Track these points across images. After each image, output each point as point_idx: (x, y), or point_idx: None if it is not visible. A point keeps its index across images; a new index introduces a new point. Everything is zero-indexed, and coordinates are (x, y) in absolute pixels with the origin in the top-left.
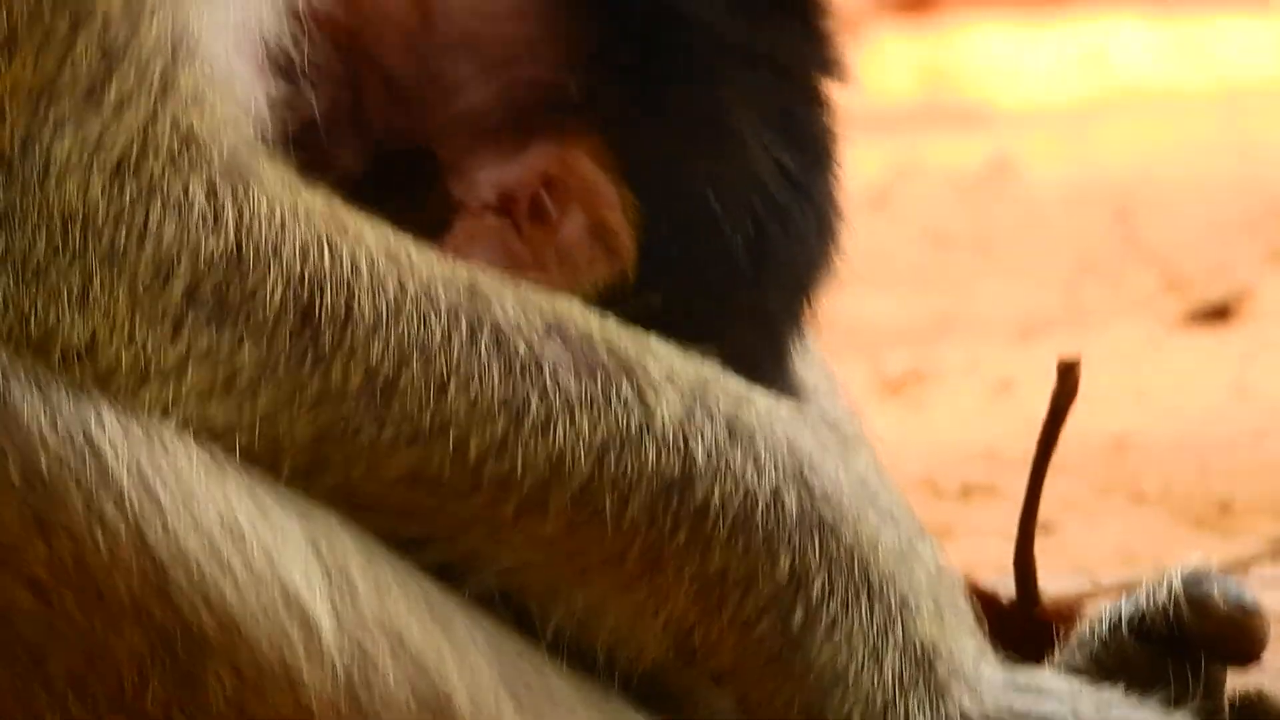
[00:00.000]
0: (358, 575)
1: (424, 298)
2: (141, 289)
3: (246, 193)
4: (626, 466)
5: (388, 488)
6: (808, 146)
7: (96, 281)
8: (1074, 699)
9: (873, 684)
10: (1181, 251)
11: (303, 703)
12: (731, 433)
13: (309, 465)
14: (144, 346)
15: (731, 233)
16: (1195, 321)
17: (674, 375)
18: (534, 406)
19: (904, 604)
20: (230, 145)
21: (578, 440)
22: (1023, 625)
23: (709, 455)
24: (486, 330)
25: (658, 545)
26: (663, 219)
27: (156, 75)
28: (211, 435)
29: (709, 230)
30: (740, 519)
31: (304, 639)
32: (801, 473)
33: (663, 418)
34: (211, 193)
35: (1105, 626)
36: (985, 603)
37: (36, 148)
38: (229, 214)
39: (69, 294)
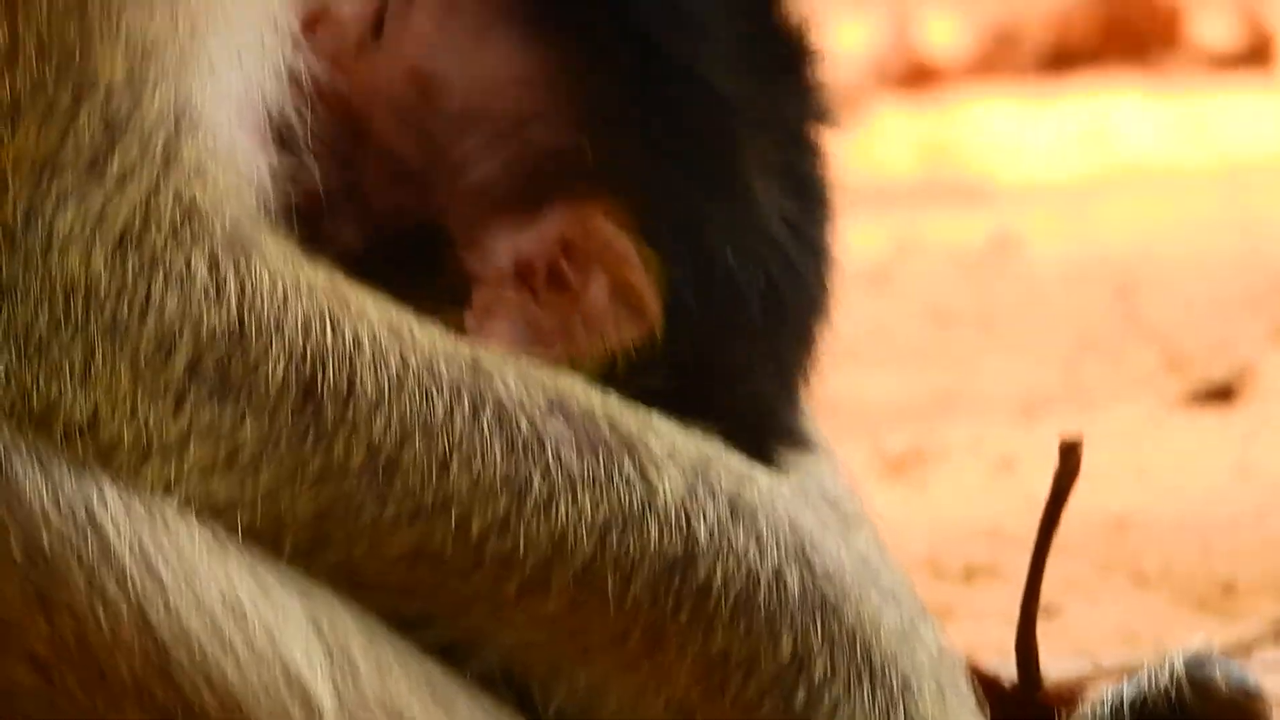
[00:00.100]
0: (359, 654)
1: (426, 373)
2: (144, 363)
3: (249, 266)
4: (629, 545)
5: (390, 565)
6: (808, 195)
7: (98, 356)
8: None
9: None
10: (1183, 329)
11: None
12: (734, 511)
13: (311, 542)
14: (146, 422)
15: (747, 287)
16: (1197, 400)
17: (676, 452)
18: (536, 484)
19: (906, 686)
20: (233, 218)
21: (580, 518)
22: (1025, 709)
23: (711, 534)
24: (489, 406)
25: (660, 624)
26: (681, 277)
27: (159, 147)
28: (213, 512)
29: (726, 286)
30: (743, 599)
31: (306, 719)
32: (804, 551)
33: (665, 496)
34: (214, 266)
35: (1107, 709)
36: (987, 686)
37: (39, 220)
38: (231, 288)
39: (71, 368)
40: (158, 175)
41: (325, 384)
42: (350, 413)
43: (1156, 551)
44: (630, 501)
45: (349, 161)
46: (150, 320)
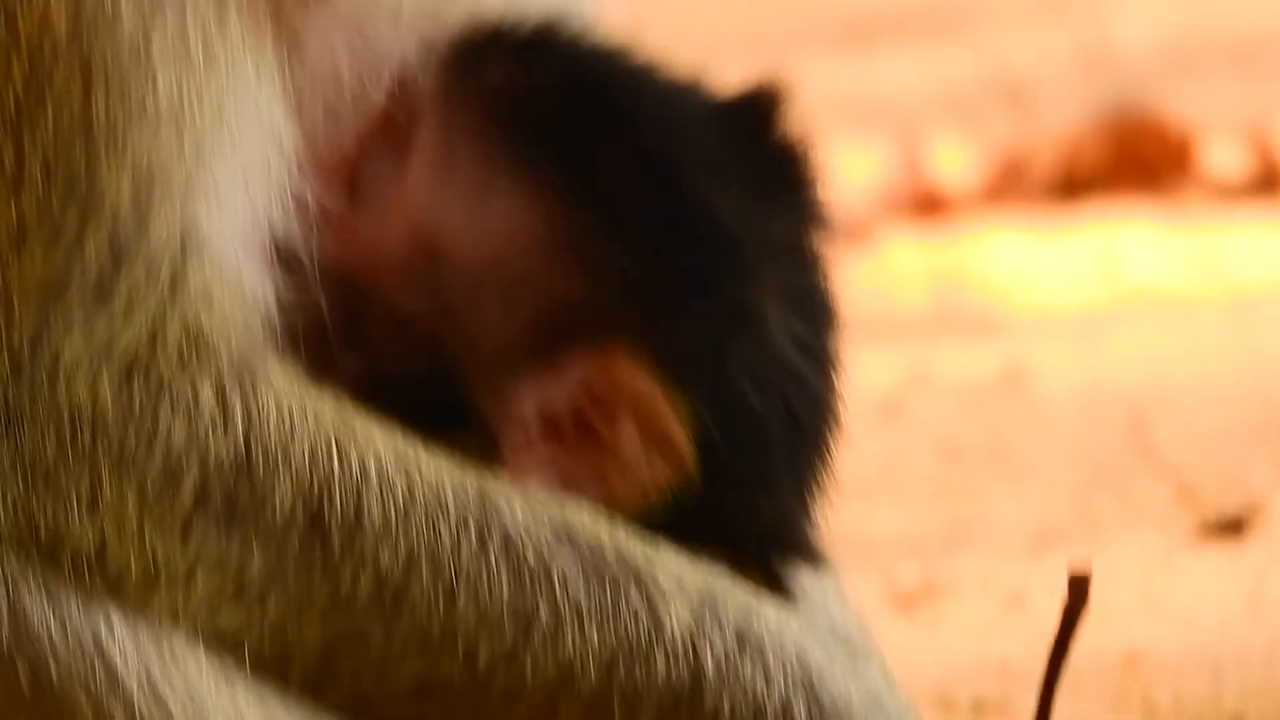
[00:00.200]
0: None
1: (433, 503)
2: (151, 493)
3: (255, 394)
4: (636, 676)
5: (397, 695)
6: (815, 311)
7: (106, 485)
8: None
9: None
10: (1195, 463)
11: None
12: (741, 643)
13: (319, 673)
14: (154, 552)
15: (767, 415)
16: (1208, 534)
17: (683, 583)
18: (543, 615)
19: None
20: (239, 346)
21: (587, 649)
22: None
23: (718, 666)
24: (496, 536)
25: None
26: (706, 414)
27: (166, 273)
28: (221, 642)
29: (747, 417)
30: None
31: None
32: (811, 684)
33: (672, 627)
34: (221, 394)
35: None
36: None
37: (45, 347)
38: (238, 416)
39: (78, 498)
40: (164, 302)
41: (333, 514)
42: (358, 542)
43: (1167, 686)
44: (637, 633)
45: (354, 315)
46: (157, 449)
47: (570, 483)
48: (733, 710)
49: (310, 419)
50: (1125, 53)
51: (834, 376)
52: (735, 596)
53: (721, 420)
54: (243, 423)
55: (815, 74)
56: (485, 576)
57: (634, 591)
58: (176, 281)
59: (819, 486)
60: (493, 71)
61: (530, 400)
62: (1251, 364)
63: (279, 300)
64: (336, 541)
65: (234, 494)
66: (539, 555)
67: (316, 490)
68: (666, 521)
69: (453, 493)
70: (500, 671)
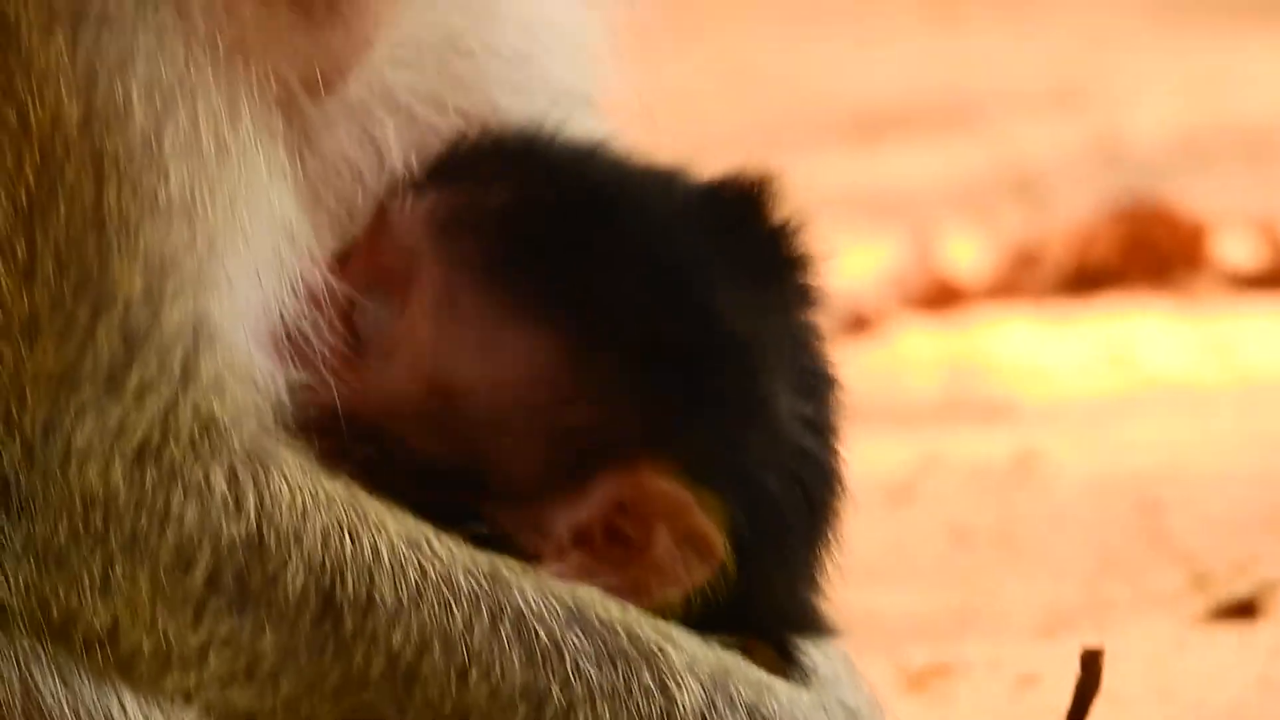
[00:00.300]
0: None
1: (445, 584)
2: (163, 575)
3: (268, 479)
4: None
5: None
6: (817, 388)
7: (118, 567)
8: None
9: None
10: (1206, 547)
11: None
12: None
13: None
14: (165, 633)
15: (785, 499)
16: (1220, 618)
17: (695, 664)
18: (555, 695)
19: None
20: (251, 432)
21: None
22: None
23: None
24: (508, 617)
25: None
26: (730, 506)
27: (178, 363)
28: None
29: (768, 503)
30: None
31: None
32: None
33: (685, 707)
34: (233, 479)
35: None
36: None
37: (58, 433)
38: (250, 500)
39: (90, 579)
40: (176, 390)
41: (345, 595)
42: (370, 623)
43: None
44: (650, 713)
45: (374, 455)
46: (169, 532)
47: (607, 590)
48: None
49: (323, 503)
50: (1136, 145)
51: (837, 447)
52: (747, 674)
53: (745, 510)
54: (255, 506)
55: (828, 167)
56: (498, 656)
57: (646, 671)
58: (188, 371)
59: (828, 558)
60: (477, 206)
61: (561, 522)
62: (1261, 450)
63: (291, 387)
64: (349, 621)
65: (246, 575)
66: (551, 635)
67: (329, 571)
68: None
69: (464, 574)
70: None
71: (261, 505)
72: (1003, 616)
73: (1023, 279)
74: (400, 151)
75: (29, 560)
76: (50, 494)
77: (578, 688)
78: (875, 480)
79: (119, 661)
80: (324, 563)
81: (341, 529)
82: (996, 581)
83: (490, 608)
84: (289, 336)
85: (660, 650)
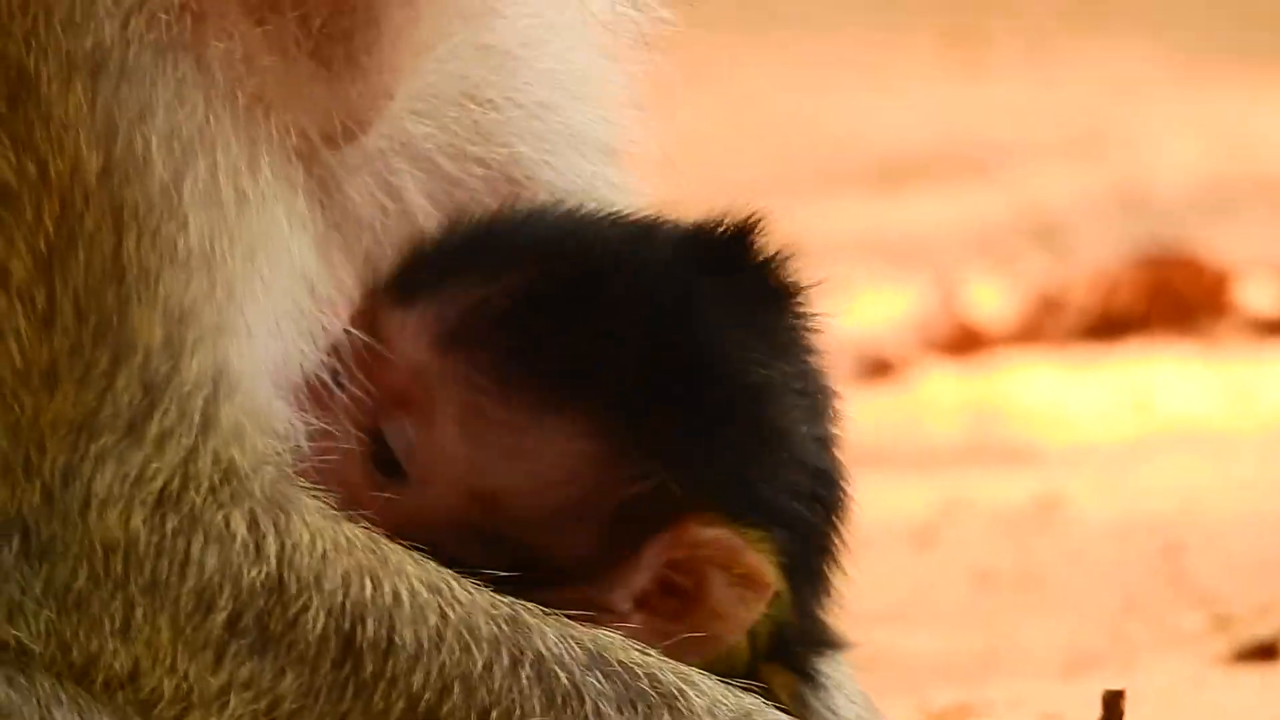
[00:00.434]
0: None
1: (465, 628)
2: (184, 619)
3: (288, 524)
4: None
5: None
6: (818, 404)
7: (138, 612)
8: None
9: None
10: (1227, 590)
11: None
12: None
13: None
14: (186, 676)
15: (812, 521)
16: (1241, 660)
17: (716, 707)
18: None
19: None
20: (271, 478)
21: None
22: None
23: None
24: (528, 661)
25: None
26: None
27: (198, 411)
28: None
29: (801, 530)
30: None
31: None
32: None
33: None
34: (253, 524)
35: None
36: None
37: (78, 480)
38: (271, 545)
39: (111, 624)
40: (196, 438)
41: (365, 638)
42: (390, 666)
43: None
44: None
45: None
46: (190, 577)
47: (675, 644)
48: None
49: (343, 547)
50: (1159, 192)
51: (840, 456)
52: (768, 716)
53: (783, 536)
54: (275, 550)
55: (852, 213)
56: (518, 699)
57: (667, 714)
58: (208, 419)
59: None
60: (474, 312)
61: (619, 594)
62: None
63: (312, 435)
64: (369, 664)
65: (266, 618)
66: (572, 678)
67: (349, 614)
68: None
69: (485, 618)
70: None
71: (282, 550)
72: (1025, 657)
73: (1046, 324)
74: (421, 202)
75: (50, 604)
76: (70, 539)
77: None
78: (899, 523)
79: (140, 704)
80: (345, 606)
81: (362, 573)
82: (1019, 623)
83: (511, 651)
84: (309, 383)
85: (680, 693)
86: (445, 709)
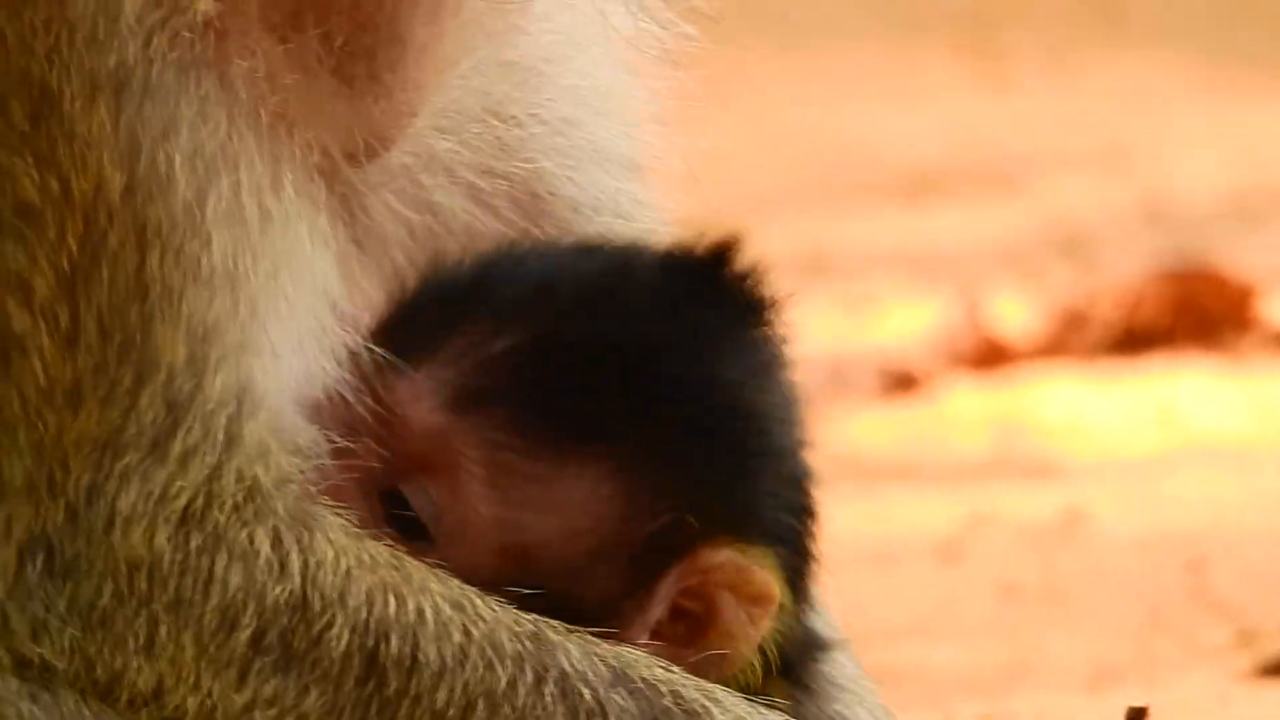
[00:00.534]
0: None
1: (489, 644)
2: (208, 636)
3: (312, 542)
4: None
5: None
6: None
7: (162, 629)
8: None
9: None
10: (1252, 604)
11: None
12: None
13: None
14: (210, 693)
15: (800, 529)
16: (1266, 674)
17: None
18: None
19: None
20: (294, 496)
21: None
22: None
23: None
24: (552, 677)
25: None
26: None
27: (221, 429)
28: None
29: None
30: None
31: None
32: None
33: None
34: (277, 542)
35: None
36: None
37: (101, 498)
38: (295, 562)
39: (135, 641)
40: (220, 456)
41: (389, 654)
42: (414, 683)
43: None
44: None
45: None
46: (214, 595)
47: (692, 665)
48: None
49: (367, 564)
50: (1184, 205)
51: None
52: None
53: (782, 550)
54: (299, 568)
55: (876, 227)
56: (542, 716)
57: None
58: (232, 437)
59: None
60: (480, 373)
61: (637, 624)
62: None
63: (334, 452)
64: (393, 681)
65: (290, 636)
66: (595, 695)
67: (373, 631)
68: None
69: (509, 635)
70: None
71: (306, 567)
72: (1050, 671)
73: (1070, 338)
74: (444, 218)
75: (74, 621)
76: (94, 557)
77: None
78: (924, 537)
79: None
80: (368, 623)
81: (386, 590)
82: (1044, 637)
83: (535, 668)
84: (332, 401)
85: (705, 710)
86: None
